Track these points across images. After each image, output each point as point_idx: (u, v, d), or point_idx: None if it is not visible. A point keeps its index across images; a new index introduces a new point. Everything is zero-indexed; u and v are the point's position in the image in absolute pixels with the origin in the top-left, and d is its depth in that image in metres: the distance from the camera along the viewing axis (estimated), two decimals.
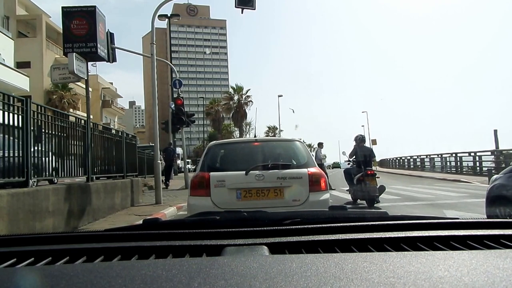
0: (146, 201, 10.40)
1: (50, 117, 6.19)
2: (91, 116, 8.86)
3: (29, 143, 5.22)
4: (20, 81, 18.83)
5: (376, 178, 8.40)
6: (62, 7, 8.15)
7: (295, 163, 4.63)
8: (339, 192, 11.13)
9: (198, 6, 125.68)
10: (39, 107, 5.84)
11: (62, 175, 6.62)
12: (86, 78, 8.32)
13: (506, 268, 0.68)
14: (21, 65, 23.34)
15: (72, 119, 7.28)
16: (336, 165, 50.09)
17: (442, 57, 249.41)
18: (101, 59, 8.82)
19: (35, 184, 5.73)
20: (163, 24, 25.34)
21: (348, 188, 9.43)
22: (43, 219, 5.27)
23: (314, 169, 4.48)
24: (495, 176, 4.58)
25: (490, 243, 0.96)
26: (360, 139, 9.23)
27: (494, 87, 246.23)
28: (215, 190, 4.27)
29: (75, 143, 7.09)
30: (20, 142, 5.11)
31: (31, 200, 5.03)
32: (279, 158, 4.69)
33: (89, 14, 8.19)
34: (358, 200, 8.80)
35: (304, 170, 4.42)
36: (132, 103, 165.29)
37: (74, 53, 7.64)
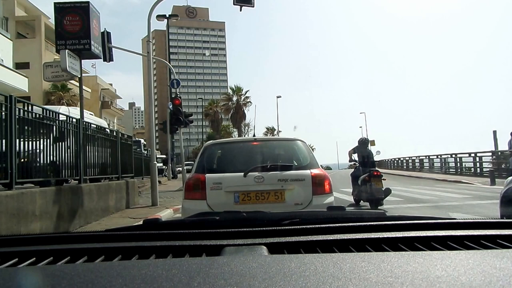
0: (142, 202, 10.31)
1: (37, 114, 5.78)
2: None
3: (13, 143, 4.85)
4: (19, 82, 18.76)
5: (383, 180, 8.11)
6: (55, 3, 7.90)
7: (297, 164, 4.37)
8: (340, 194, 11.02)
9: (197, 8, 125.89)
10: (25, 104, 5.51)
11: (52, 176, 6.19)
12: (79, 76, 8.05)
13: (502, 268, 0.69)
14: (20, 66, 23.28)
15: (62, 117, 6.82)
16: (327, 168, 52.69)
17: (440, 58, 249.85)
18: (95, 56, 8.52)
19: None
20: (163, 26, 25.35)
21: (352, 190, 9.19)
22: (28, 224, 4.96)
23: (318, 171, 4.20)
24: (510, 178, 4.47)
25: (487, 243, 0.97)
26: (360, 141, 9.18)
27: (492, 87, 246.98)
28: (211, 193, 3.98)
29: (66, 143, 6.64)
30: (4, 142, 4.75)
31: (15, 204, 4.71)
32: (280, 158, 4.46)
33: (83, 10, 7.97)
34: (361, 202, 8.56)
35: (307, 172, 4.14)
36: (131, 104, 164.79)
37: (67, 50, 7.39)
